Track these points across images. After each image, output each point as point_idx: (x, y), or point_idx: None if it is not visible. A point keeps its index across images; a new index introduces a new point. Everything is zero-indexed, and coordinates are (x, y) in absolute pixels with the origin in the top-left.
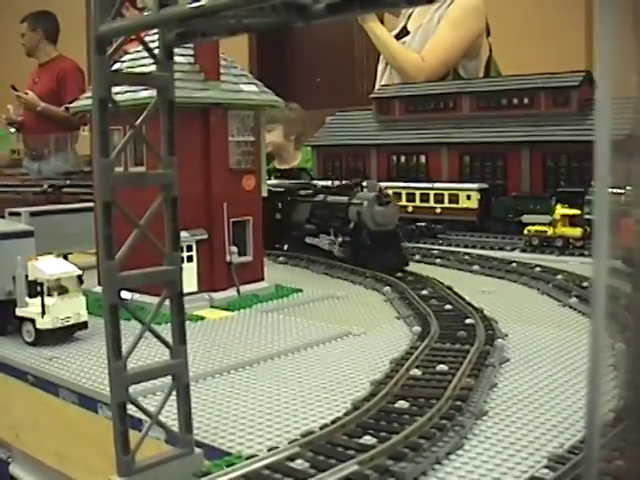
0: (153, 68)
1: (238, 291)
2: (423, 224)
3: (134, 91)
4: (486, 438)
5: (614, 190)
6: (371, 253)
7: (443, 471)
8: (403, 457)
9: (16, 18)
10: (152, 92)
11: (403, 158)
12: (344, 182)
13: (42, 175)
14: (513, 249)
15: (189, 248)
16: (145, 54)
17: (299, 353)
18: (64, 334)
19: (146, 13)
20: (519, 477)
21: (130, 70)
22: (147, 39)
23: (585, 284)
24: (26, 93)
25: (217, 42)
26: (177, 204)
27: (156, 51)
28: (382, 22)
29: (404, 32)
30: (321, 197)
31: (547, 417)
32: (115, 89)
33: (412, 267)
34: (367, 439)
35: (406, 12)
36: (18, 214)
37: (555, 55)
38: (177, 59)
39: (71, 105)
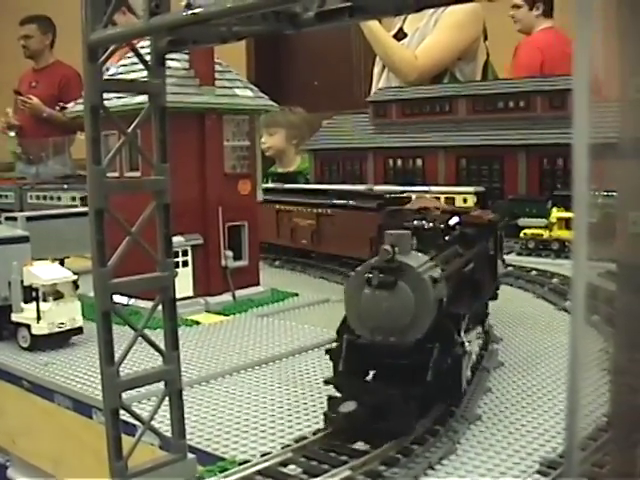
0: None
1: (233, 295)
2: None
3: (131, 96)
4: (478, 443)
5: (608, 193)
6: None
7: (435, 476)
8: (395, 463)
9: (11, 20)
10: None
11: (400, 161)
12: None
13: (40, 179)
14: (509, 252)
15: (184, 253)
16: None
17: (294, 357)
18: (59, 339)
19: (137, 21)
20: None
21: (126, 76)
22: (140, 44)
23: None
24: (29, 98)
25: (212, 47)
26: (169, 211)
27: (148, 57)
28: (380, 21)
29: (401, 34)
30: None
31: (540, 421)
32: (112, 93)
33: None
34: (360, 445)
35: None
36: (14, 219)
37: None
38: (172, 64)
39: (67, 108)
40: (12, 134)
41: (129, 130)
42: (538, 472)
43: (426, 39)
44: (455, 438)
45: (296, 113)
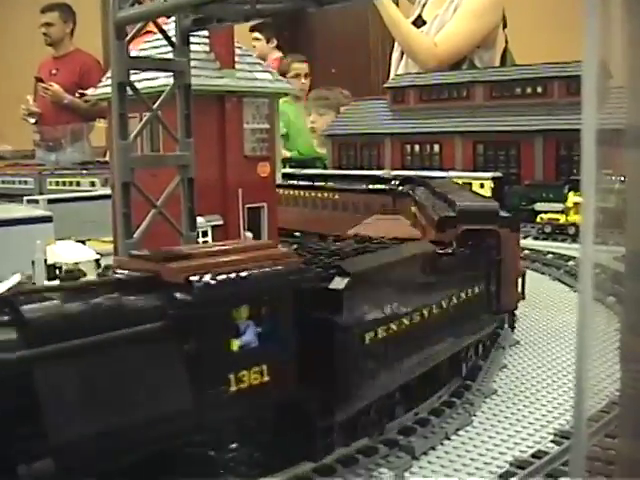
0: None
1: None
2: None
3: (151, 79)
4: (494, 415)
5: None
6: None
7: (451, 445)
8: (413, 432)
9: (26, 7)
10: (168, 79)
11: (417, 147)
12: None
13: (59, 165)
14: (526, 237)
15: (204, 234)
16: (162, 41)
17: None
18: None
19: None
20: (525, 451)
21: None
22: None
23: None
24: (50, 85)
25: (232, 30)
26: (194, 184)
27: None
28: (397, 5)
29: (419, 20)
30: None
31: (554, 395)
32: (132, 77)
33: None
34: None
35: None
36: (36, 201)
37: (571, 45)
38: (193, 47)
39: (89, 93)
40: (32, 121)
41: (155, 106)
42: (552, 442)
43: (446, 26)
44: (471, 410)
45: (345, 95)
